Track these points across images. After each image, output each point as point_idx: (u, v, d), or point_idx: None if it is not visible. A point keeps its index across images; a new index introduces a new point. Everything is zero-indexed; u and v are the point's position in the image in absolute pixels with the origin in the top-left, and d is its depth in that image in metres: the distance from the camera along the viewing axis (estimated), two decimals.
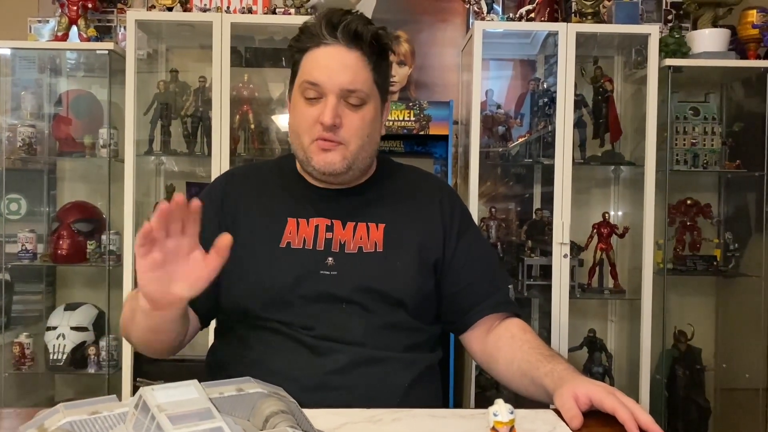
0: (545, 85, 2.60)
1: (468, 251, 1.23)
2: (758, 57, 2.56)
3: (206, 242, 1.17)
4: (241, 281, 1.16)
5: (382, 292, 1.15)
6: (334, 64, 1.14)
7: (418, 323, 1.18)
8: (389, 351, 1.14)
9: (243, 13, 2.46)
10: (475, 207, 2.38)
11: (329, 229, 1.18)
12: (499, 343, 1.18)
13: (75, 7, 2.46)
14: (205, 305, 1.20)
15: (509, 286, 1.30)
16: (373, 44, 1.16)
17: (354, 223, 1.19)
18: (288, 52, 1.22)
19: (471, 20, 2.68)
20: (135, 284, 2.52)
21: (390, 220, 1.20)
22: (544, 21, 2.48)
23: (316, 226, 1.18)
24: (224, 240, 0.90)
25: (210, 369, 1.20)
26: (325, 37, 1.14)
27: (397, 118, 2.35)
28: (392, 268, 1.16)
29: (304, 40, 1.17)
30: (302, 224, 1.18)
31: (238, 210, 1.21)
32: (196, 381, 0.66)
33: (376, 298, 1.14)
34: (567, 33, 2.37)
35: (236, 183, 1.27)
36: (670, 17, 2.74)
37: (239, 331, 1.17)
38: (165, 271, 0.90)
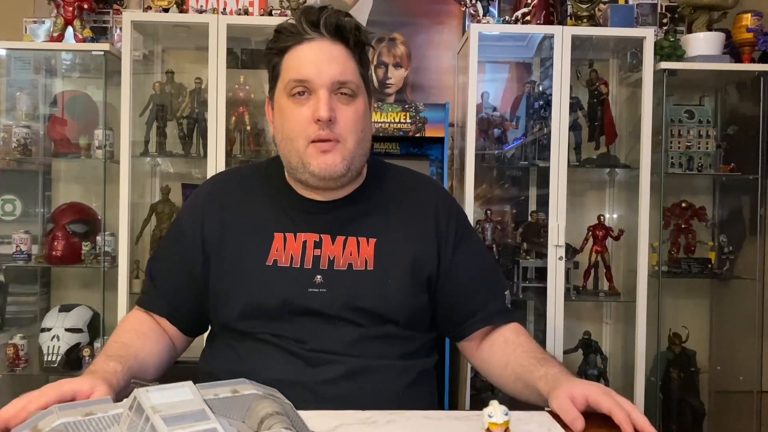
0: (541, 88, 2.61)
1: (464, 262, 1.19)
2: (752, 61, 2.57)
3: (186, 267, 1.18)
4: (229, 301, 1.14)
5: (372, 312, 1.12)
6: (321, 57, 1.10)
7: (411, 333, 1.16)
8: (383, 360, 1.12)
9: (239, 14, 2.46)
10: (470, 209, 2.38)
11: (317, 245, 1.14)
12: (493, 347, 1.18)
13: (71, 8, 2.45)
14: (186, 321, 1.22)
15: (506, 292, 1.27)
16: (356, 35, 1.13)
17: (344, 237, 1.14)
18: (265, 57, 1.17)
19: (467, 23, 2.69)
20: (131, 287, 2.49)
21: (382, 234, 1.16)
22: (539, 24, 2.49)
23: (304, 242, 1.14)
24: None
25: (203, 377, 1.19)
26: (307, 32, 1.10)
27: (393, 120, 2.35)
28: (383, 287, 1.12)
29: (283, 40, 1.12)
30: (289, 239, 1.14)
31: (224, 226, 1.17)
32: (190, 382, 0.67)
33: (367, 315, 1.12)
34: (562, 36, 2.37)
35: (219, 195, 1.22)
36: (665, 21, 2.75)
37: (231, 342, 1.15)
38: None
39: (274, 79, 1.16)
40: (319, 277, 1.12)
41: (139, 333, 1.16)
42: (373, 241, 1.15)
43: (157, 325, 1.20)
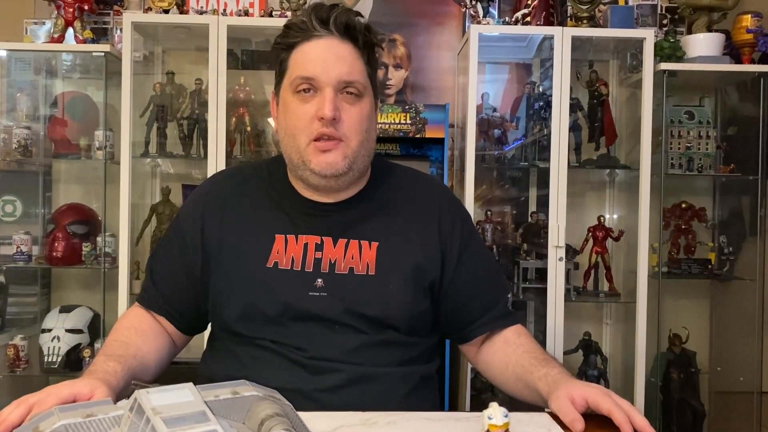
0: (541, 89, 2.61)
1: (468, 269, 1.18)
2: (752, 61, 2.57)
3: (185, 267, 1.17)
4: (229, 303, 1.13)
5: (373, 318, 1.10)
6: (329, 56, 1.09)
7: (413, 338, 1.15)
8: (384, 367, 1.11)
9: (239, 15, 2.46)
10: (471, 210, 2.38)
11: (319, 247, 1.12)
12: (494, 348, 1.18)
13: (71, 9, 2.45)
14: (185, 320, 1.21)
15: (508, 296, 1.26)
16: (366, 35, 1.12)
17: (346, 240, 1.13)
18: (273, 52, 1.16)
19: (467, 24, 2.69)
20: (132, 288, 2.49)
21: (384, 238, 1.14)
22: (539, 25, 2.49)
23: (305, 244, 1.12)
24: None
25: (203, 382, 1.18)
26: (316, 30, 1.09)
27: (393, 121, 2.35)
28: (385, 293, 1.11)
29: (291, 35, 1.12)
30: (291, 241, 1.12)
31: (224, 227, 1.16)
32: (191, 384, 0.67)
33: (368, 322, 1.10)
34: (562, 37, 2.37)
35: (220, 195, 1.21)
36: (665, 21, 2.75)
37: (231, 346, 1.14)
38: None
39: (280, 75, 1.15)
40: (320, 280, 1.11)
41: (139, 330, 1.16)
42: (375, 244, 1.13)
43: (156, 322, 1.20)
